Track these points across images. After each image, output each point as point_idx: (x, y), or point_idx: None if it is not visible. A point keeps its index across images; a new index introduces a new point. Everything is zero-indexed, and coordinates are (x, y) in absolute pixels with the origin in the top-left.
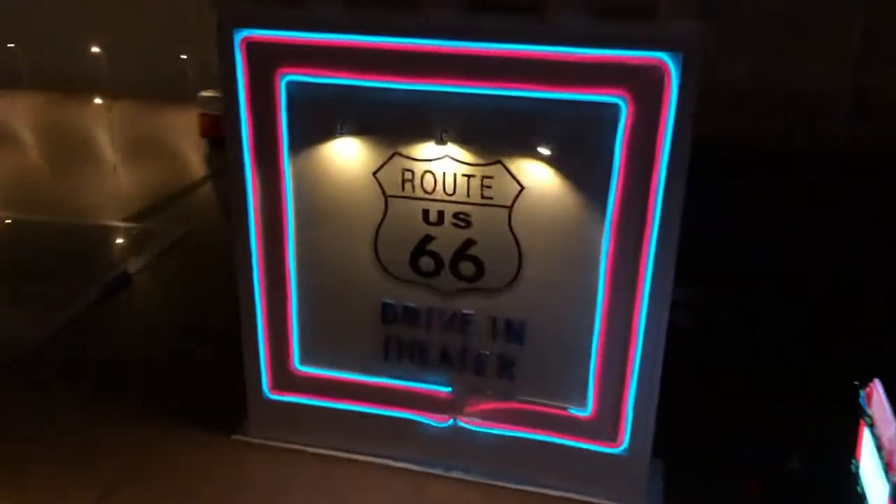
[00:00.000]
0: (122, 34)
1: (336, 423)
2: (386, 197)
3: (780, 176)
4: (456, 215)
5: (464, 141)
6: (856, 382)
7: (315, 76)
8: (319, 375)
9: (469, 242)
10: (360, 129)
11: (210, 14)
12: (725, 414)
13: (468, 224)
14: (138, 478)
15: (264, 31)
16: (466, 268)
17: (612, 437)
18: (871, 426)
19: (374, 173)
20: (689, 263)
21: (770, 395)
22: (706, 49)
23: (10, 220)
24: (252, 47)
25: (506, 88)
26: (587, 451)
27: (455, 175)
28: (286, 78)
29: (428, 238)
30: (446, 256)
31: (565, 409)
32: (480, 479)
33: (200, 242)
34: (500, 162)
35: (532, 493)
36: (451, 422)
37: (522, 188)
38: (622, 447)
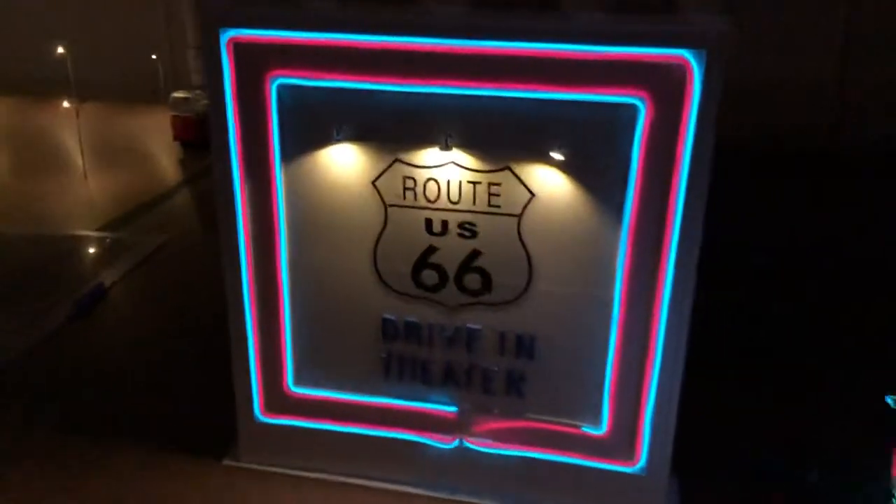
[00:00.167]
0: (87, 34)
1: (334, 446)
2: (386, 206)
3: (781, 175)
4: (461, 225)
5: (470, 146)
6: (890, 398)
7: (308, 79)
8: (315, 397)
9: (475, 254)
10: (358, 134)
11: (180, 11)
12: (741, 423)
13: (474, 234)
14: None
15: (252, 30)
16: (472, 280)
17: (629, 455)
18: None
19: (373, 181)
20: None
21: (788, 403)
22: (731, 46)
23: None
24: (239, 48)
25: (515, 89)
26: (602, 470)
27: (460, 182)
28: (277, 81)
29: (431, 249)
30: (451, 269)
31: (578, 427)
32: (488, 503)
33: (178, 252)
34: (508, 168)
35: None
36: (456, 442)
37: (533, 195)
38: (639, 466)
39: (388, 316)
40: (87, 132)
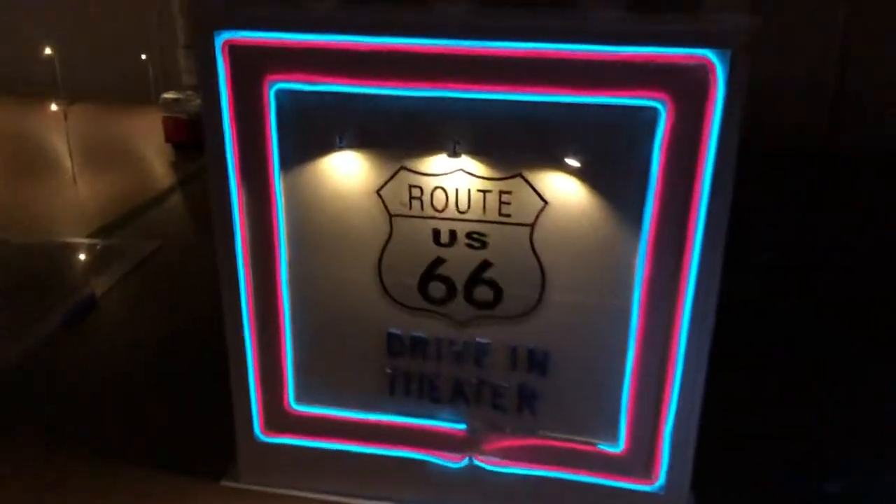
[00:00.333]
0: (76, 34)
1: (338, 465)
2: (391, 216)
3: (781, 175)
4: (470, 235)
5: (479, 153)
6: None
7: (309, 83)
8: (318, 414)
9: (485, 265)
10: (362, 141)
11: (171, 10)
12: (756, 427)
13: (484, 245)
14: None
15: (249, 32)
16: (482, 293)
17: (647, 473)
18: None
19: (378, 190)
20: None
21: (804, 404)
22: (756, 46)
23: None
24: (236, 51)
25: (527, 92)
26: (618, 489)
27: (469, 191)
28: (276, 86)
29: (438, 261)
30: (459, 281)
31: (594, 444)
32: None
33: (172, 258)
34: (520, 175)
35: None
36: (466, 461)
37: (546, 204)
38: (657, 484)
39: (393, 330)
40: (76, 135)
